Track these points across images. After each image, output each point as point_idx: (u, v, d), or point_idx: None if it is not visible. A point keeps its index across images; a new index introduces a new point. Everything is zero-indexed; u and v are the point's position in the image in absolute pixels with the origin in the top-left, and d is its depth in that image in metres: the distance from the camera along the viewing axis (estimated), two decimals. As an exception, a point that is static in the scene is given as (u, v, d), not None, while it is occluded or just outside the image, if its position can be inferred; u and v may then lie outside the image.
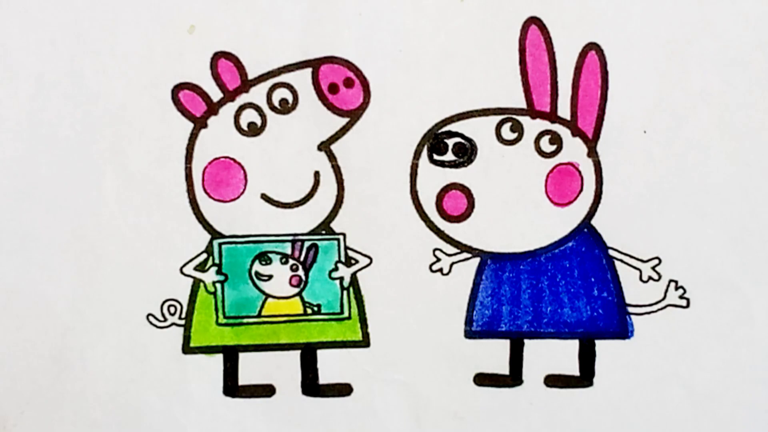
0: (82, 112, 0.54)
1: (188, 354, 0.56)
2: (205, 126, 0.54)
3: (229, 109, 0.54)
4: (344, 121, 0.54)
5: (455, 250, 0.55)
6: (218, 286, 0.55)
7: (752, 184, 0.54)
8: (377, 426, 0.56)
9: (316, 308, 0.56)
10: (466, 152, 0.54)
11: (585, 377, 0.56)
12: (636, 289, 0.55)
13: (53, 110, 0.54)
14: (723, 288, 0.55)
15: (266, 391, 0.56)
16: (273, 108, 0.54)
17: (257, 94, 0.54)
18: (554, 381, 0.56)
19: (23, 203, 0.54)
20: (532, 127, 0.54)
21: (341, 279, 0.55)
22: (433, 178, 0.54)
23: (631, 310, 0.55)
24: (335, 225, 0.55)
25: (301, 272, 0.55)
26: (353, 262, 0.55)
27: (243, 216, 0.55)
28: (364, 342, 0.56)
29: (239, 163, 0.54)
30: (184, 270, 0.55)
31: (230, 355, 0.56)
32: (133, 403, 0.56)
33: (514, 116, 0.54)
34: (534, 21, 0.53)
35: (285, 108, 0.54)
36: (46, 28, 0.53)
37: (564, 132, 0.54)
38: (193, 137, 0.54)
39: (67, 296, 0.55)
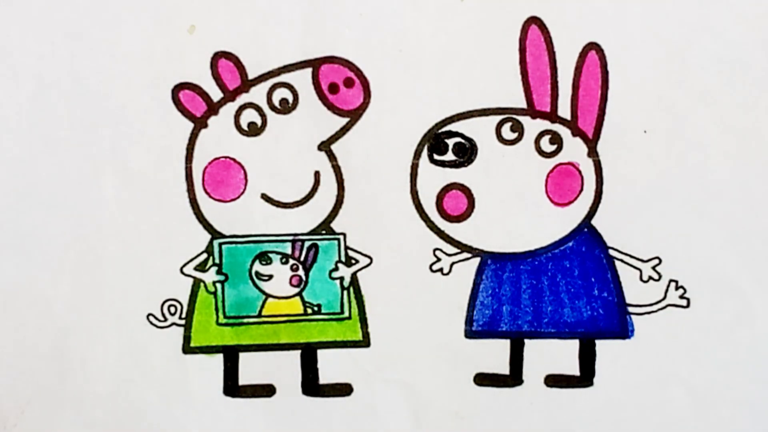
0: (82, 112, 0.54)
1: (188, 354, 0.56)
2: (205, 126, 0.54)
3: (229, 109, 0.54)
4: (344, 121, 0.54)
5: (455, 250, 0.55)
6: (218, 286, 0.55)
7: (752, 184, 0.54)
8: (377, 426, 0.56)
9: (316, 308, 0.56)
10: (466, 152, 0.54)
11: (585, 377, 0.56)
12: (636, 289, 0.55)
13: (53, 110, 0.54)
14: (723, 288, 0.55)
15: (266, 391, 0.56)
16: (273, 108, 0.54)
17: (257, 94, 0.54)
18: (554, 381, 0.56)
19: (23, 203, 0.54)
20: (533, 127, 0.54)
21: (341, 279, 0.55)
22: (433, 178, 0.54)
23: (631, 310, 0.55)
24: (335, 225, 0.55)
25: (301, 272, 0.55)
26: (353, 262, 0.55)
27: (243, 216, 0.55)
28: (364, 342, 0.56)
29: (239, 163, 0.54)
30: (185, 270, 0.55)
31: (230, 355, 0.56)
32: (133, 403, 0.56)
33: (514, 116, 0.54)
34: (534, 21, 0.53)
35: (285, 108, 0.54)
36: (46, 28, 0.53)
37: (564, 132, 0.54)
38: (193, 137, 0.54)
39: (67, 296, 0.55)
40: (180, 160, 0.54)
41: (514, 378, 0.56)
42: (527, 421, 0.56)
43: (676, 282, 0.55)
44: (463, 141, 0.54)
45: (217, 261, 0.55)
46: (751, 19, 0.53)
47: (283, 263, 0.55)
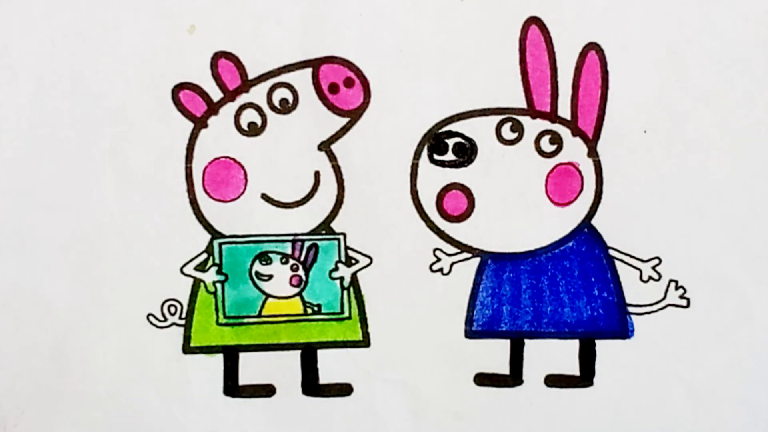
0: (82, 112, 0.54)
1: (188, 354, 0.56)
2: (205, 126, 0.54)
3: (229, 109, 0.54)
4: (344, 121, 0.54)
5: (455, 250, 0.55)
6: (218, 286, 0.55)
7: (752, 184, 0.54)
8: (377, 426, 0.56)
9: (316, 308, 0.56)
10: (466, 152, 0.54)
11: (585, 377, 0.56)
12: (636, 289, 0.55)
13: (53, 110, 0.54)
14: (723, 288, 0.55)
15: (266, 391, 0.56)
16: (273, 108, 0.54)
17: (257, 94, 0.54)
18: (554, 381, 0.56)
19: (23, 203, 0.54)
20: (533, 127, 0.54)
21: (341, 279, 0.55)
22: (433, 178, 0.54)
23: (631, 310, 0.55)
24: (335, 225, 0.55)
25: (301, 272, 0.55)
26: (353, 262, 0.55)
27: (243, 216, 0.55)
28: (364, 342, 0.56)
29: (239, 163, 0.54)
30: (185, 270, 0.55)
31: (230, 355, 0.56)
32: (133, 403, 0.56)
33: (514, 116, 0.54)
34: (534, 21, 0.53)
35: (285, 108, 0.54)
36: (46, 28, 0.53)
37: (564, 132, 0.54)
38: (193, 137, 0.54)
39: (67, 296, 0.55)
40: (180, 160, 0.54)
41: (514, 378, 0.56)
42: (527, 421, 0.56)
43: (676, 282, 0.55)
44: (463, 141, 0.54)
45: (217, 261, 0.55)
46: (751, 19, 0.53)
47: (283, 263, 0.55)
